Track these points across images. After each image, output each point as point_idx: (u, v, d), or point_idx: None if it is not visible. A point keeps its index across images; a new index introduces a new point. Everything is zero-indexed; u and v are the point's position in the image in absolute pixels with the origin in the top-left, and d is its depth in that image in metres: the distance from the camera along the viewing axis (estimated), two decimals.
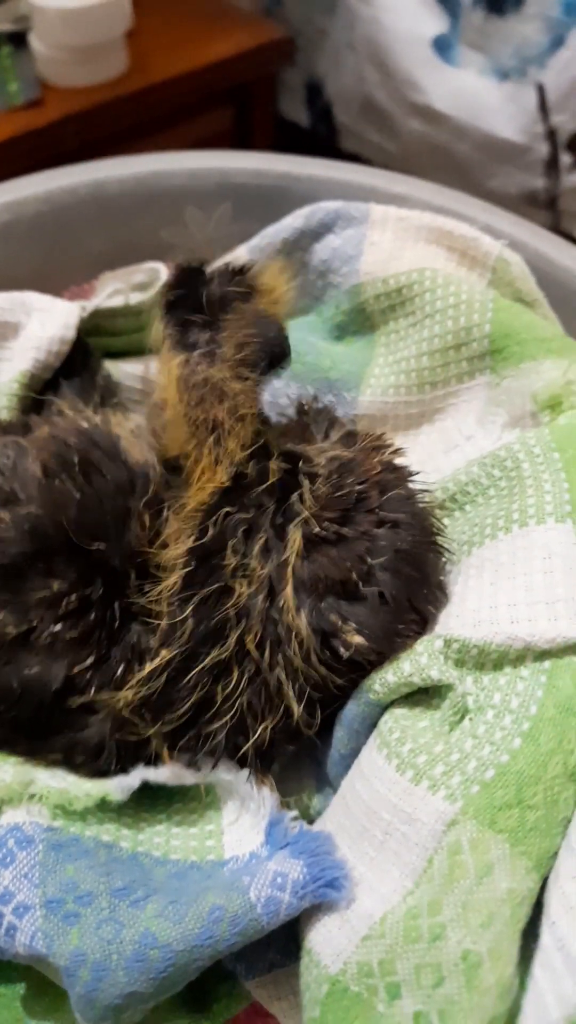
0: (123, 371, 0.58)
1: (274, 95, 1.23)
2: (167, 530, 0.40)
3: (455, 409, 0.54)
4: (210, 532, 0.39)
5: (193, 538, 0.39)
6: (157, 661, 0.38)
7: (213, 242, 0.62)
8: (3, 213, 0.58)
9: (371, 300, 0.56)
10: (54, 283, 0.59)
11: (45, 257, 0.60)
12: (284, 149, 1.22)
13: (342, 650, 0.38)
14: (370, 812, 0.36)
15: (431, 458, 0.52)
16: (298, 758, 0.44)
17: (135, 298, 0.57)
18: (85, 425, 0.42)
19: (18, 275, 0.57)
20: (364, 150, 1.20)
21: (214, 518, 0.39)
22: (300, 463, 0.41)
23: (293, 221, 0.58)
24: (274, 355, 0.43)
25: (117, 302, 0.57)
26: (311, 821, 0.41)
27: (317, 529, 0.40)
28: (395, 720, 0.37)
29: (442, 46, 1.05)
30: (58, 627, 0.39)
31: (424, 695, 0.38)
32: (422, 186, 0.60)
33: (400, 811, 0.34)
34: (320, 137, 1.25)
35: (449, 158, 1.09)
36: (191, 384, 0.42)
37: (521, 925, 0.32)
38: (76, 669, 0.39)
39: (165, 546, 0.40)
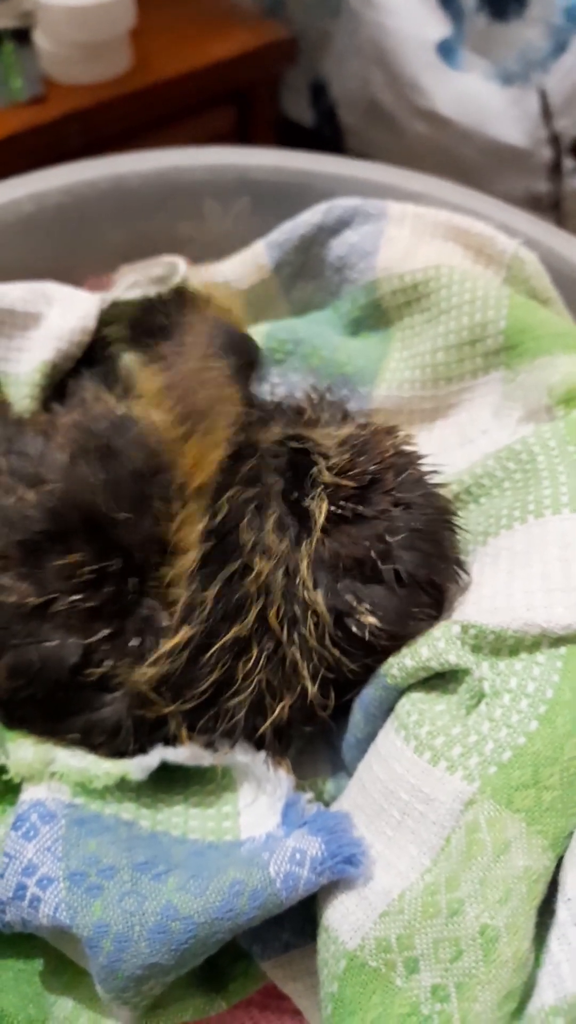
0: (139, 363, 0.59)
1: (276, 96, 1.24)
2: (184, 519, 0.41)
3: (470, 404, 0.54)
4: (221, 512, 0.40)
5: (206, 518, 0.40)
6: (178, 638, 0.39)
7: (231, 236, 0.63)
8: (27, 204, 0.59)
9: (387, 296, 0.57)
10: (74, 274, 0.60)
11: (66, 248, 0.61)
12: (287, 149, 1.23)
13: (355, 629, 0.39)
14: (388, 792, 0.36)
15: (446, 451, 0.52)
16: (313, 742, 0.44)
17: (153, 291, 0.58)
18: (118, 413, 0.43)
19: (39, 266, 0.58)
20: (369, 151, 1.20)
21: (223, 498, 0.40)
22: (310, 444, 0.42)
23: (311, 217, 0.59)
24: (239, 348, 0.46)
25: (136, 295, 0.58)
26: (326, 805, 0.41)
27: (334, 508, 0.40)
28: (412, 703, 0.38)
29: (446, 50, 1.05)
30: (75, 598, 0.40)
31: (441, 680, 0.39)
32: (439, 184, 0.61)
33: (418, 791, 0.35)
34: (324, 138, 1.25)
35: (454, 161, 1.10)
36: (168, 385, 0.45)
37: (537, 902, 0.32)
38: (91, 640, 0.40)
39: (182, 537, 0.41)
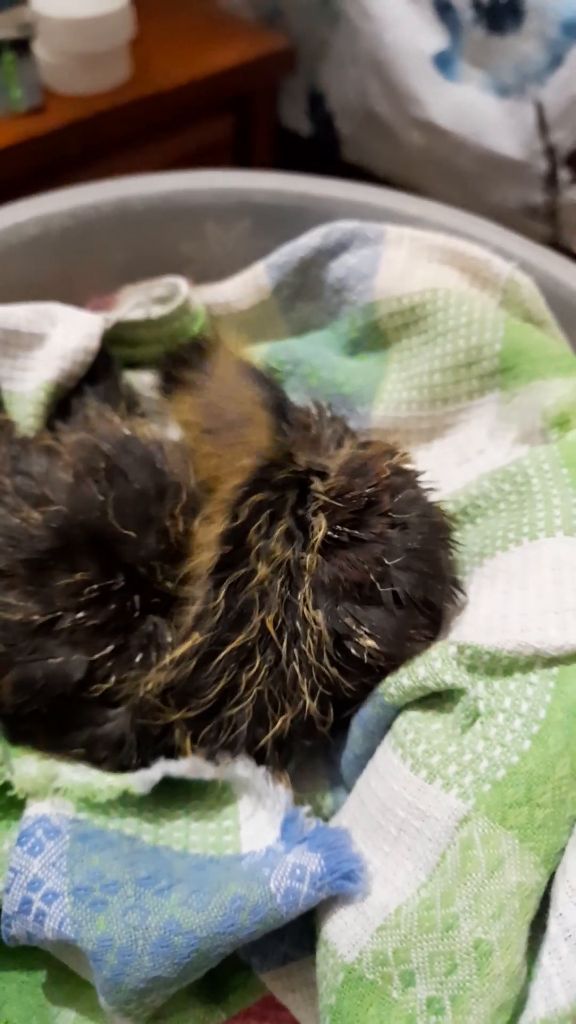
0: (142, 382, 0.60)
1: (274, 105, 1.25)
2: (197, 528, 0.42)
3: (466, 424, 0.55)
4: (242, 516, 0.41)
5: (227, 521, 0.41)
6: (188, 644, 0.39)
7: (232, 257, 0.64)
8: (31, 227, 0.60)
9: (385, 318, 0.58)
10: (77, 295, 0.61)
11: (70, 270, 0.62)
12: (284, 158, 1.24)
13: (354, 651, 0.40)
14: (385, 809, 0.37)
15: (443, 471, 0.53)
16: (312, 757, 0.45)
17: (156, 311, 0.59)
18: (122, 433, 0.44)
19: (43, 286, 0.59)
20: (366, 161, 1.21)
21: (246, 503, 0.41)
22: (311, 467, 0.43)
23: (310, 240, 0.60)
24: (265, 379, 0.47)
25: (139, 315, 0.59)
26: (324, 819, 0.42)
27: (332, 533, 0.41)
28: (409, 722, 0.39)
29: (443, 62, 1.06)
30: (80, 615, 0.41)
31: (437, 699, 0.40)
32: (436, 208, 0.62)
33: (414, 808, 0.36)
34: (321, 147, 1.26)
35: (450, 171, 1.11)
36: (202, 403, 0.46)
37: (529, 917, 0.33)
38: (96, 657, 0.41)
39: (194, 544, 0.41)
